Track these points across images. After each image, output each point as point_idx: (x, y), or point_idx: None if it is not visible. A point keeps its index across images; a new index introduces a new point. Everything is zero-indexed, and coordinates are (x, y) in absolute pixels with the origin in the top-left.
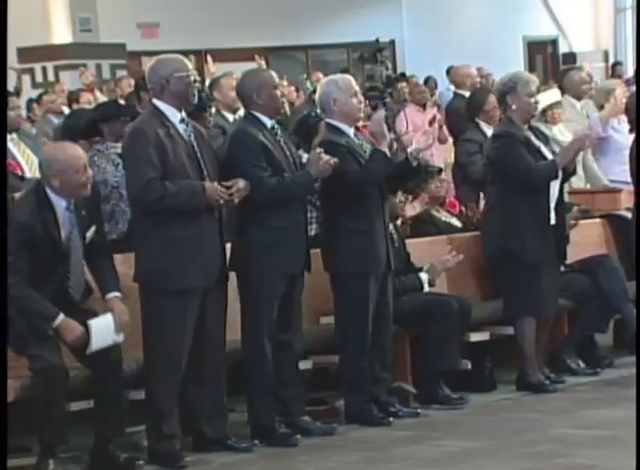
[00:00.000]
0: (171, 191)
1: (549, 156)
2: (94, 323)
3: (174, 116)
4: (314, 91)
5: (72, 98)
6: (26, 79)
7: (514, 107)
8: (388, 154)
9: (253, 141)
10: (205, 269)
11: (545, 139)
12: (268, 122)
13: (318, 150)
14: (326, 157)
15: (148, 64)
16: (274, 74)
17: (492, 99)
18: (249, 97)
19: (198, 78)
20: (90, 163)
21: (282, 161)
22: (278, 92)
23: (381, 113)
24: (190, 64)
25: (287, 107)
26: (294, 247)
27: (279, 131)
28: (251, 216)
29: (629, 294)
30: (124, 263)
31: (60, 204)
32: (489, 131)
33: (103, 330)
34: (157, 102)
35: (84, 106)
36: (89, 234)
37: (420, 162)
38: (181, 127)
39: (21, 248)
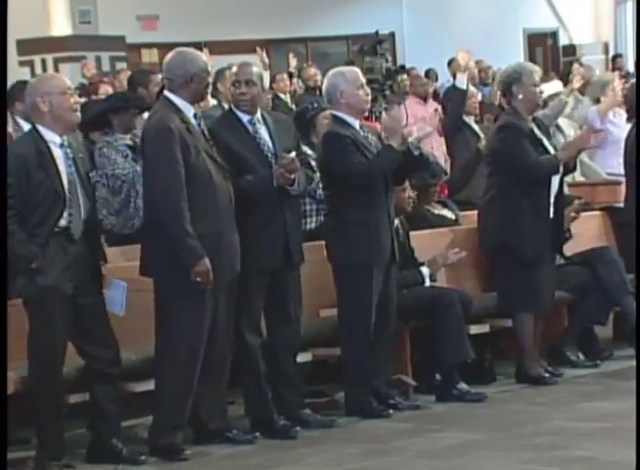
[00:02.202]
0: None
1: (551, 149)
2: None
3: (189, 111)
4: (307, 88)
5: (91, 90)
6: (26, 72)
7: (520, 96)
8: (397, 149)
9: (215, 140)
10: (227, 267)
11: (547, 132)
12: (245, 117)
13: (285, 156)
14: (291, 162)
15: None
16: (243, 70)
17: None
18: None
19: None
20: (100, 153)
21: (252, 158)
22: (238, 88)
23: (400, 109)
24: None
25: (266, 102)
26: (267, 244)
27: (260, 125)
28: None
29: (629, 286)
30: (123, 256)
31: (53, 140)
32: (469, 120)
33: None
34: (171, 95)
35: (102, 97)
36: (92, 174)
37: (422, 151)
38: (194, 122)
39: (14, 183)
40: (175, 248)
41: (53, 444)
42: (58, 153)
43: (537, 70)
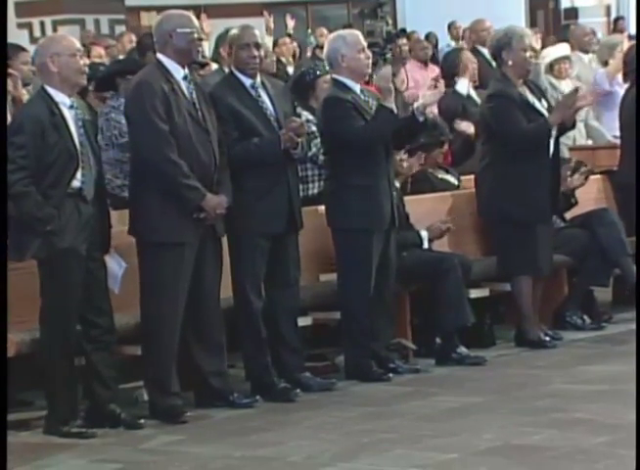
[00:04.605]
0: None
1: (544, 112)
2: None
3: (177, 72)
4: (317, 46)
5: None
6: (25, 34)
7: (510, 63)
8: (394, 110)
9: (220, 105)
10: (200, 225)
11: (540, 93)
12: (247, 81)
13: (295, 119)
14: (300, 125)
15: (153, 19)
16: (249, 32)
17: (466, 55)
18: (229, 54)
19: (203, 37)
20: (107, 118)
21: (256, 122)
22: (248, 51)
23: (388, 68)
24: (196, 21)
25: (269, 64)
26: (273, 207)
27: (261, 90)
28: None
29: (627, 247)
30: (119, 221)
31: (64, 101)
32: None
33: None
34: (161, 56)
35: (95, 60)
36: (99, 138)
37: (427, 117)
38: (184, 84)
39: (30, 143)
40: (178, 194)
41: (64, 408)
42: (68, 114)
43: (528, 34)
